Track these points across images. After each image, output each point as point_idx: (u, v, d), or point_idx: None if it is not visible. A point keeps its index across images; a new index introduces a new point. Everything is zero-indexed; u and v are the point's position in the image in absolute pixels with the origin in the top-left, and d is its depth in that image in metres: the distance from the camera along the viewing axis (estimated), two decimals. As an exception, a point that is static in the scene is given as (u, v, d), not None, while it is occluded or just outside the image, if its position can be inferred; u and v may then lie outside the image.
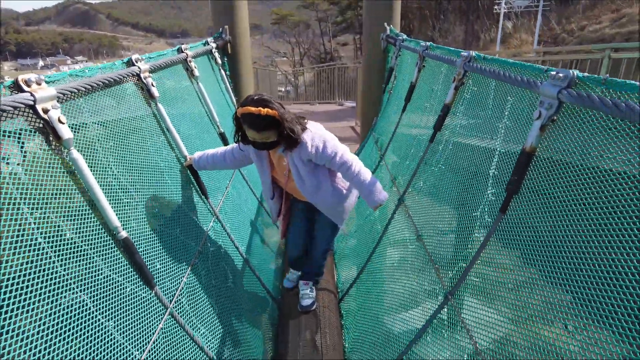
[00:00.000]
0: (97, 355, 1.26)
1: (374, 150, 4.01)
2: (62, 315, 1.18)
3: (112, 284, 1.44)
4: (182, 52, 3.00)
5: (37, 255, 1.16)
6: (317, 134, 2.12)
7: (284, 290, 2.94)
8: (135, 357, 1.44)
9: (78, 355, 1.20)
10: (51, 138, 1.35)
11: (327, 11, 31.52)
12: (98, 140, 1.64)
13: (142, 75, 2.17)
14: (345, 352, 2.44)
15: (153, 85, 2.25)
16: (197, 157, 2.45)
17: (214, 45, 3.93)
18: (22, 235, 1.13)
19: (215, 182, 2.82)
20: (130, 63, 2.14)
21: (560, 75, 1.35)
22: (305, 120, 2.15)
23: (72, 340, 1.19)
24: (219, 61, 4.07)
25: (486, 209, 1.72)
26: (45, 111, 1.33)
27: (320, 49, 33.44)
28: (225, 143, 3.33)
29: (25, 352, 1.03)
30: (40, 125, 1.33)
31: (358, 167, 2.16)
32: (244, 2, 4.66)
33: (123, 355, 1.39)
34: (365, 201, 2.24)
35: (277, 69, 18.83)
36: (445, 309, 1.75)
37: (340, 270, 3.21)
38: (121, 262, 1.53)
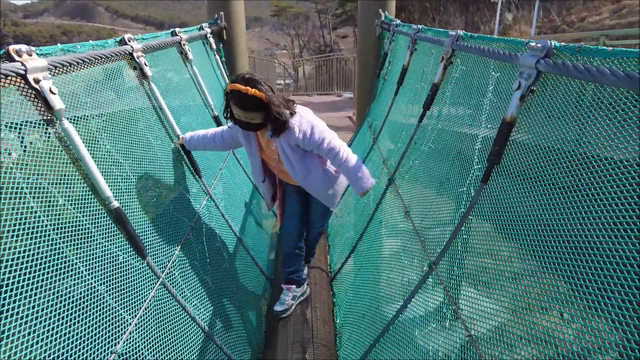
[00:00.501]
0: (89, 315, 1.31)
1: (368, 134, 4.05)
2: (55, 276, 1.22)
3: (105, 252, 1.49)
4: (176, 34, 3.03)
5: (32, 220, 1.20)
6: (305, 119, 2.10)
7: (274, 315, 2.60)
8: (126, 320, 1.49)
9: (72, 314, 1.25)
10: (42, 108, 1.38)
11: (327, 3, 31.35)
12: (91, 116, 1.68)
13: (134, 54, 2.18)
14: (335, 327, 2.50)
15: (146, 65, 2.27)
16: (188, 137, 2.45)
17: (209, 30, 3.95)
18: (18, 202, 1.18)
19: (209, 162, 2.86)
20: (122, 42, 2.17)
21: (539, 45, 1.38)
22: (294, 104, 2.13)
23: (65, 301, 1.24)
24: (214, 46, 4.09)
25: (471, 183, 1.76)
26: (37, 81, 1.36)
27: (320, 41, 33.31)
28: (219, 126, 3.36)
29: (20, 307, 1.08)
30: (32, 95, 1.36)
31: (346, 153, 2.16)
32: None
33: (115, 317, 1.44)
34: (352, 188, 2.25)
35: (275, 60, 18.76)
36: (430, 278, 1.80)
37: (333, 250, 3.26)
38: (114, 232, 1.58)
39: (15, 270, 1.08)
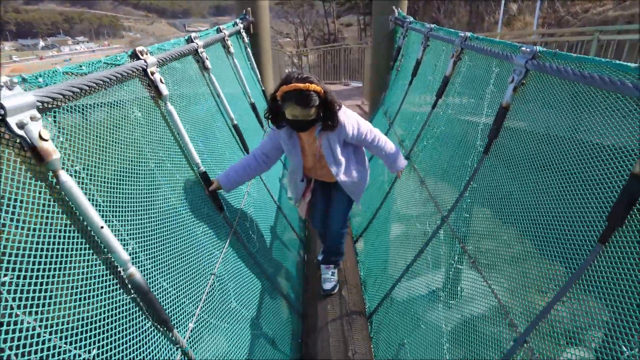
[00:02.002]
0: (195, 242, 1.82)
1: (383, 119, 4.55)
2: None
3: (194, 210, 2.00)
4: (221, 31, 3.51)
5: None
6: (350, 115, 2.22)
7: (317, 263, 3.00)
8: (214, 254, 2.00)
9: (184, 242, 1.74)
10: (153, 93, 1.87)
11: (331, -9, 31.40)
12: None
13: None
14: (360, 278, 3.03)
15: (207, 59, 2.74)
16: (224, 179, 2.25)
17: (241, 25, 4.42)
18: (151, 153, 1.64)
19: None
20: (189, 40, 2.65)
21: (527, 50, 1.87)
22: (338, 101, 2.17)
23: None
24: (246, 40, 4.56)
25: (475, 156, 2.26)
26: (152, 73, 1.85)
27: (324, 29, 33.40)
28: (256, 113, 3.86)
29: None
30: (147, 84, 1.85)
31: (384, 139, 2.38)
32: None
33: (207, 251, 1.95)
34: (389, 168, 2.51)
35: (284, 50, 19.11)
36: (442, 230, 2.31)
37: (353, 218, 3.78)
38: (200, 192, 2.08)
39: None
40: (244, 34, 4.49)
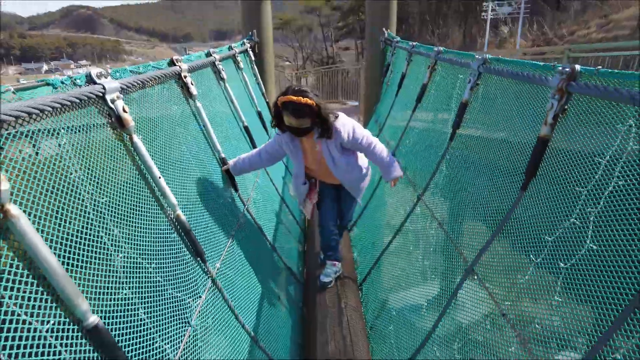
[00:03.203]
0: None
1: (374, 127, 5.09)
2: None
3: (218, 181, 2.48)
4: (232, 49, 4.06)
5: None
6: (347, 122, 2.42)
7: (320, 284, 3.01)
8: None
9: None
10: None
11: (330, 16, 32.57)
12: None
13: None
14: (353, 257, 3.49)
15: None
16: (232, 163, 2.63)
17: (248, 45, 5.00)
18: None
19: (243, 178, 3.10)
20: (208, 55, 3.18)
21: (479, 57, 2.39)
22: (335, 112, 2.41)
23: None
24: (253, 58, 5.14)
25: (445, 141, 2.76)
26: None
27: (322, 53, 34.48)
28: (261, 118, 4.39)
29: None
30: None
31: (380, 147, 2.49)
32: (269, 12, 5.74)
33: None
34: (383, 176, 2.59)
35: (284, 71, 19.88)
36: (418, 207, 2.80)
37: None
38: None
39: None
40: (250, 53, 5.06)
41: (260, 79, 5.35)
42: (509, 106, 2.09)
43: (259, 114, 4.40)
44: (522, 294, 1.62)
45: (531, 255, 1.59)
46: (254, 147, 3.62)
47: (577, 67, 1.61)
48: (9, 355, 0.89)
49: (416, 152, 3.25)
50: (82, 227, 1.26)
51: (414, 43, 4.09)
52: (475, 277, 1.90)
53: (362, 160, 2.65)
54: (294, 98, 2.18)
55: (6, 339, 0.88)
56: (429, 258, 2.43)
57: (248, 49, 4.99)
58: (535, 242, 1.60)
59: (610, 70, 1.49)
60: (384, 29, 5.69)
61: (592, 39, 14.96)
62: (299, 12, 36.39)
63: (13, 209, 0.97)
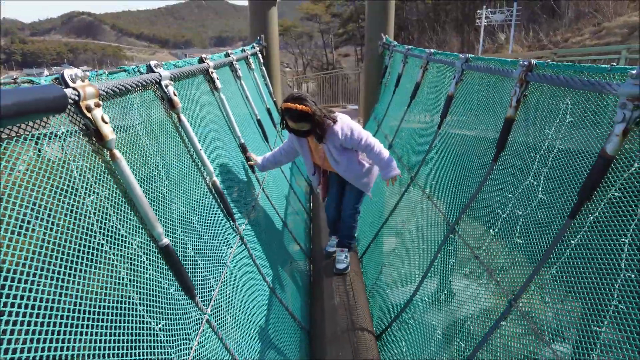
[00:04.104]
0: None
1: (373, 123, 5.52)
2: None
3: (239, 165, 2.89)
4: (245, 52, 4.49)
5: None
6: (345, 124, 2.61)
7: (326, 254, 3.37)
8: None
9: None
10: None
11: (329, 23, 33.16)
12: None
13: (233, 63, 3.57)
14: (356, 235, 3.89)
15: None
16: (260, 161, 3.04)
17: (257, 48, 5.44)
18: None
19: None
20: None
21: (462, 56, 2.82)
22: (335, 114, 2.63)
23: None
24: (261, 60, 5.58)
25: (433, 129, 3.17)
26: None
27: (322, 59, 35.02)
28: (270, 115, 4.81)
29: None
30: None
31: (378, 148, 2.62)
32: (275, 19, 6.19)
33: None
34: (382, 175, 2.70)
35: (286, 75, 20.35)
36: (411, 187, 3.21)
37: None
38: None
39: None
40: (259, 56, 5.50)
41: (268, 80, 5.79)
42: (485, 95, 2.51)
43: (268, 111, 4.82)
44: (493, 242, 2.03)
45: (499, 211, 2.01)
46: (266, 137, 4.04)
47: (534, 61, 2.03)
48: (109, 259, 1.24)
49: (410, 140, 3.68)
50: (149, 177, 1.68)
51: (409, 46, 4.52)
52: (457, 234, 2.31)
53: (364, 158, 2.83)
54: (292, 105, 2.46)
55: (110, 247, 1.25)
56: (419, 228, 2.84)
57: (257, 52, 5.42)
58: (502, 201, 2.01)
59: (556, 63, 1.91)
60: (382, 34, 6.13)
61: (586, 45, 15.47)
62: (299, 19, 36.93)
63: (117, 153, 1.35)
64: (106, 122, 1.33)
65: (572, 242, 1.55)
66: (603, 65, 1.61)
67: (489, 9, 16.98)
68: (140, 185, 1.45)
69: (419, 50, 4.17)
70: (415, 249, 2.79)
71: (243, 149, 3.07)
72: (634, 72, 1.36)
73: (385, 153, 2.64)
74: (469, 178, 2.42)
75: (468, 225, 2.28)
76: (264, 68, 5.71)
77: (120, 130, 1.50)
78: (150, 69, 1.94)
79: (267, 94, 5.30)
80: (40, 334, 0.90)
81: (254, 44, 5.43)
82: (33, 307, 0.89)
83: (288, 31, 34.43)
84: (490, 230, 2.07)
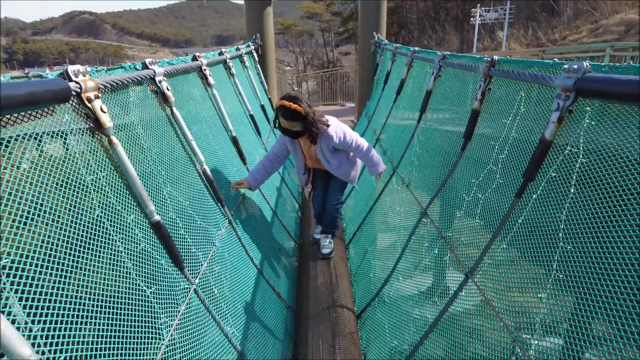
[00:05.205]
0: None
1: (364, 120, 5.71)
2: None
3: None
4: (239, 50, 4.68)
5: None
6: (338, 128, 2.81)
7: (312, 241, 3.62)
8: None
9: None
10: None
11: (330, 22, 33.31)
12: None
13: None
14: (344, 226, 4.08)
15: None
16: (251, 179, 2.95)
17: (252, 47, 5.63)
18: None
19: (248, 154, 4.44)
20: (220, 54, 3.79)
21: (440, 54, 3.00)
22: (325, 118, 2.79)
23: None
24: (256, 58, 5.77)
25: (416, 124, 3.36)
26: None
27: (323, 58, 35.17)
28: (264, 111, 5.01)
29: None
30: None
31: (367, 148, 2.89)
32: (270, 17, 6.38)
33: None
34: (368, 170, 3.00)
35: (286, 73, 20.52)
36: (394, 178, 3.40)
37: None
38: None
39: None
40: (254, 54, 5.69)
41: (263, 78, 5.98)
42: (458, 90, 2.70)
43: (262, 107, 5.02)
44: (458, 223, 2.22)
45: (464, 195, 2.20)
46: (258, 131, 4.24)
47: (495, 57, 2.22)
48: (106, 230, 1.49)
49: (394, 134, 3.86)
50: (144, 162, 1.87)
51: (397, 44, 4.71)
52: (428, 218, 2.50)
53: (351, 156, 3.06)
54: (286, 103, 2.58)
55: (107, 220, 1.44)
56: (399, 215, 3.03)
57: (252, 51, 5.61)
58: (467, 187, 2.20)
59: (513, 59, 2.10)
60: (374, 33, 6.32)
61: (584, 43, 15.65)
62: (300, 18, 37.06)
63: (114, 139, 1.55)
64: (104, 112, 1.51)
65: (519, 219, 1.75)
66: (547, 61, 1.80)
67: (484, 8, 17.19)
68: (135, 170, 1.65)
69: (405, 49, 4.35)
70: (395, 234, 2.98)
71: (235, 142, 3.26)
72: (566, 66, 1.53)
73: (372, 152, 2.91)
74: (442, 167, 2.61)
75: (438, 210, 2.47)
76: (259, 66, 5.90)
77: (116, 121, 1.66)
78: (145, 66, 2.14)
79: (261, 92, 5.49)
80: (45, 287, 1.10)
81: (249, 43, 5.63)
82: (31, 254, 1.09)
83: (289, 30, 34.53)
84: (457, 213, 2.26)
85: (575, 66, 1.50)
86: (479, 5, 17.01)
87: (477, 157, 2.23)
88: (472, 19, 17.83)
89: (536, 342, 1.49)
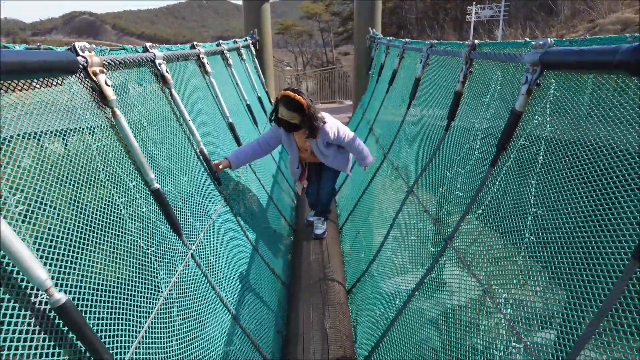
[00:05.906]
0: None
1: (359, 112, 5.85)
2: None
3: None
4: (237, 42, 4.82)
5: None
6: (334, 125, 3.00)
7: (307, 223, 3.81)
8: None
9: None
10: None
11: (329, 22, 33.43)
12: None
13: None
14: (336, 212, 4.21)
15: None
16: (233, 158, 2.89)
17: (250, 41, 5.76)
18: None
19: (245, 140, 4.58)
20: (218, 44, 3.93)
21: (428, 43, 3.13)
22: (322, 116, 2.94)
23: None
24: (254, 52, 5.90)
25: (405, 112, 3.49)
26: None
27: (322, 58, 35.26)
28: (260, 102, 5.14)
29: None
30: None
31: (358, 141, 3.11)
32: (268, 15, 6.52)
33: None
34: (357, 162, 3.21)
35: (285, 73, 20.66)
36: (385, 163, 3.53)
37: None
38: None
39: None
40: (252, 48, 5.83)
41: (260, 71, 6.11)
42: (443, 76, 2.84)
43: (259, 99, 5.15)
44: (441, 197, 2.35)
45: (447, 172, 2.33)
46: (254, 120, 4.37)
47: (476, 41, 2.35)
48: (109, 193, 1.62)
49: (386, 122, 4.00)
50: (143, 139, 2.01)
51: (390, 38, 4.85)
52: (414, 196, 2.64)
53: (343, 149, 3.22)
54: (290, 93, 2.72)
55: (111, 184, 1.57)
56: (388, 196, 3.17)
57: (250, 45, 5.75)
58: (450, 160, 2.34)
59: (492, 42, 2.24)
60: (369, 28, 6.45)
61: (580, 42, 15.76)
62: (299, 18, 37.17)
63: (118, 111, 1.68)
64: (109, 85, 1.63)
65: (494, 187, 1.88)
66: (520, 40, 1.93)
67: (479, 5, 17.37)
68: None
69: (398, 41, 4.49)
70: (384, 214, 3.11)
71: (231, 128, 3.39)
72: (533, 43, 1.68)
73: (362, 145, 3.13)
74: (429, 148, 2.74)
75: (423, 187, 2.60)
76: (256, 60, 6.03)
77: (119, 95, 1.82)
78: (145, 49, 2.27)
79: (258, 84, 5.62)
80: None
81: (247, 37, 5.77)
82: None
83: (288, 30, 34.61)
84: (440, 189, 2.40)
85: (541, 42, 1.64)
86: (474, 2, 17.17)
87: (459, 135, 2.37)
88: (467, 16, 17.99)
89: (506, 294, 1.62)
